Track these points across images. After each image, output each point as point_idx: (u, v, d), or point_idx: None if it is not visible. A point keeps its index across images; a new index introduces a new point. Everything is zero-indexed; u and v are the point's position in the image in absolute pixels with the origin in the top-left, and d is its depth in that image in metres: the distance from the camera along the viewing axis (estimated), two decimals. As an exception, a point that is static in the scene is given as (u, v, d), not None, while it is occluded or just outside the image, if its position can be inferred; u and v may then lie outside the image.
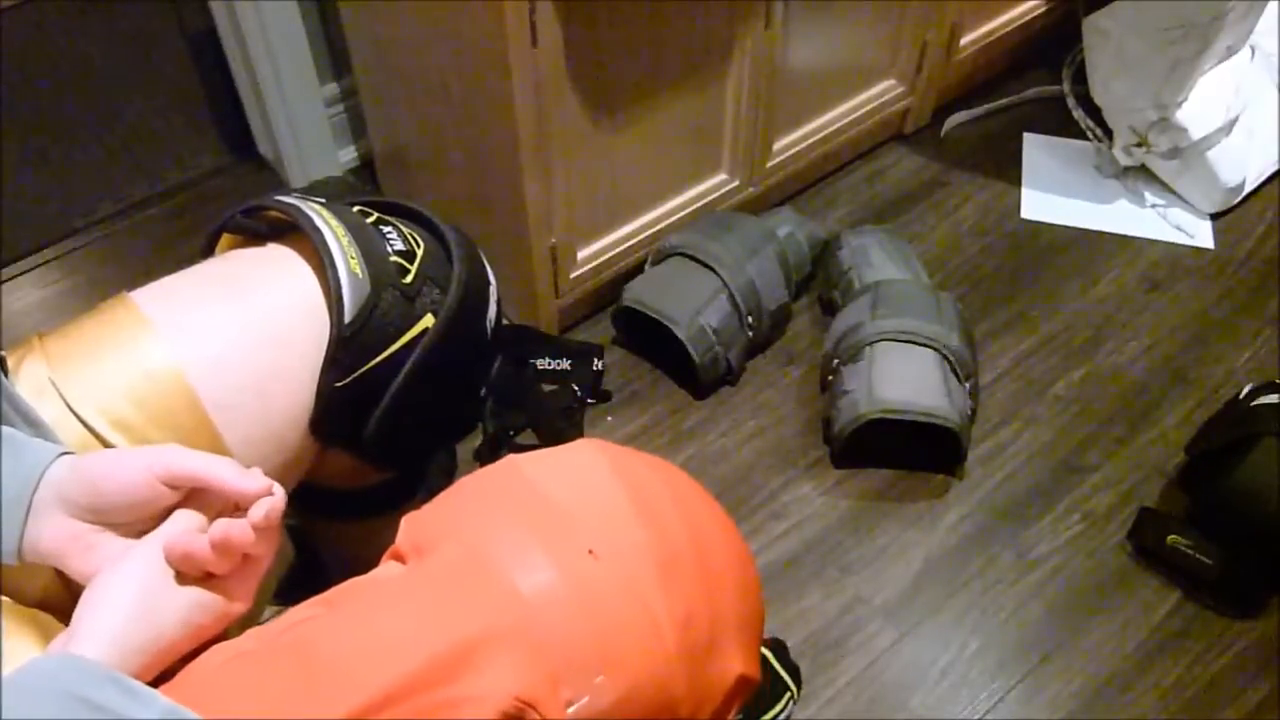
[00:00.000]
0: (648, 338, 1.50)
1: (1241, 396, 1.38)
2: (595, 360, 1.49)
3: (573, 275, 1.48)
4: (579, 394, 1.46)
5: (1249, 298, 1.63)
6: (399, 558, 0.67)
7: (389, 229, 0.80)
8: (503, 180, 1.34)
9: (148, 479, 0.61)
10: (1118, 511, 1.38)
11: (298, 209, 0.76)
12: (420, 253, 0.80)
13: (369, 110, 1.64)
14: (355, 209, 0.81)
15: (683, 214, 1.56)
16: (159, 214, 1.74)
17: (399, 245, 0.79)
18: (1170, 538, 1.29)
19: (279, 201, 0.78)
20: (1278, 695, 1.21)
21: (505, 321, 1.55)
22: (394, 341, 0.77)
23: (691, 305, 1.43)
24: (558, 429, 1.43)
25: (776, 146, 1.62)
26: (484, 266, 0.86)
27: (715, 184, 1.59)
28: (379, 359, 0.76)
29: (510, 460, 0.71)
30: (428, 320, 0.78)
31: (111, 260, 1.68)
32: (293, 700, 0.56)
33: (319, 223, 0.75)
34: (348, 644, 0.60)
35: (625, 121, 1.37)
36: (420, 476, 0.98)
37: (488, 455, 1.40)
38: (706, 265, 1.46)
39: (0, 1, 1.44)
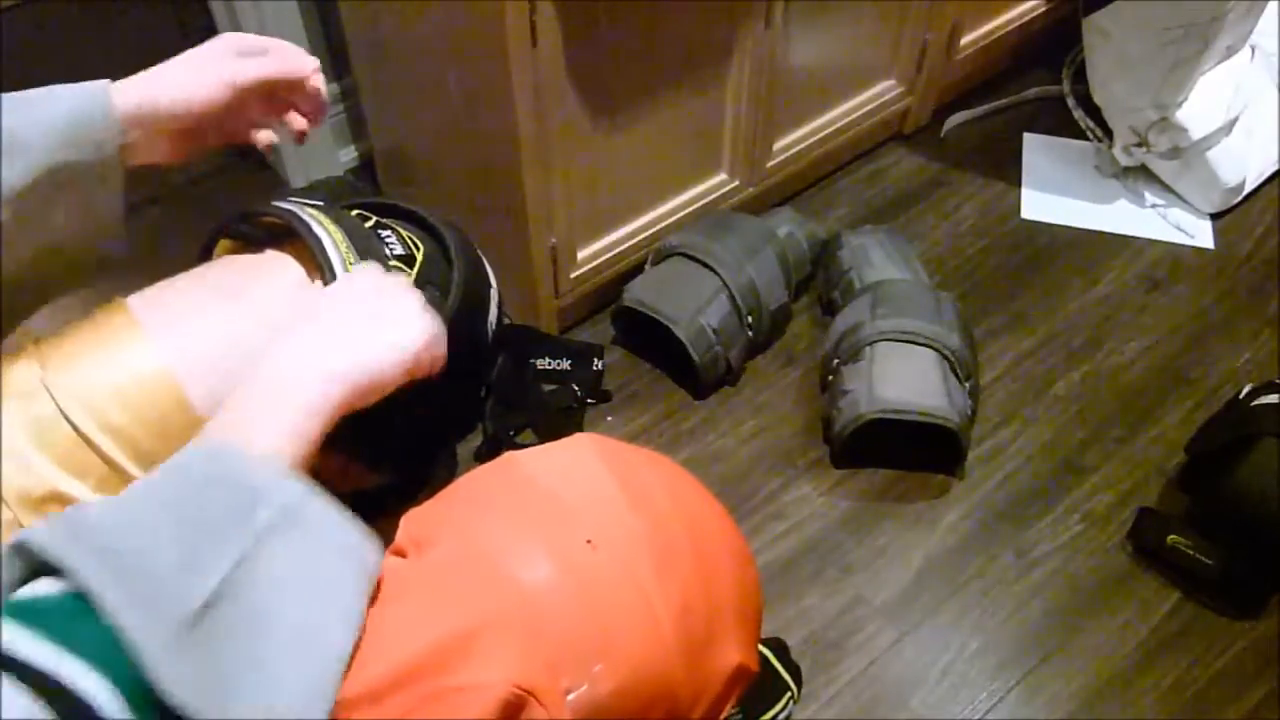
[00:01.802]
0: (648, 338, 1.50)
1: (1241, 396, 1.38)
2: (595, 360, 1.49)
3: (573, 275, 1.47)
4: (579, 394, 1.46)
5: (1249, 298, 1.63)
6: (399, 553, 0.68)
7: (388, 233, 0.80)
8: (503, 180, 1.34)
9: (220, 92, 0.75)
10: (1118, 511, 1.38)
11: (295, 215, 0.76)
12: (420, 257, 0.80)
13: (369, 110, 1.64)
14: (354, 213, 0.81)
15: (683, 214, 1.56)
16: (159, 214, 1.74)
17: (398, 249, 0.79)
18: (1170, 538, 1.29)
19: (276, 207, 0.78)
20: (1278, 695, 1.21)
21: (505, 321, 1.55)
22: None
23: (691, 305, 1.43)
24: (558, 429, 1.43)
25: (776, 146, 1.62)
26: (484, 269, 0.86)
27: (715, 184, 1.59)
28: None
29: (508, 456, 0.72)
30: None
31: (111, 260, 1.68)
32: None
33: (316, 229, 0.75)
34: None
35: (625, 121, 1.37)
36: (423, 477, 0.98)
37: (487, 455, 1.39)
38: (706, 265, 1.46)
39: (0, 1, 1.44)
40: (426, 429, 0.88)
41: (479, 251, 0.86)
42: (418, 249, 0.81)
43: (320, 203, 0.83)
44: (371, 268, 0.73)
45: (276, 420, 0.62)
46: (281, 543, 0.57)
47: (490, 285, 0.86)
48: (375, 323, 0.68)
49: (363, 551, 0.61)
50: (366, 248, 0.77)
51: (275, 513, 0.58)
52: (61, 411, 0.69)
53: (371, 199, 0.88)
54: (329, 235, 0.75)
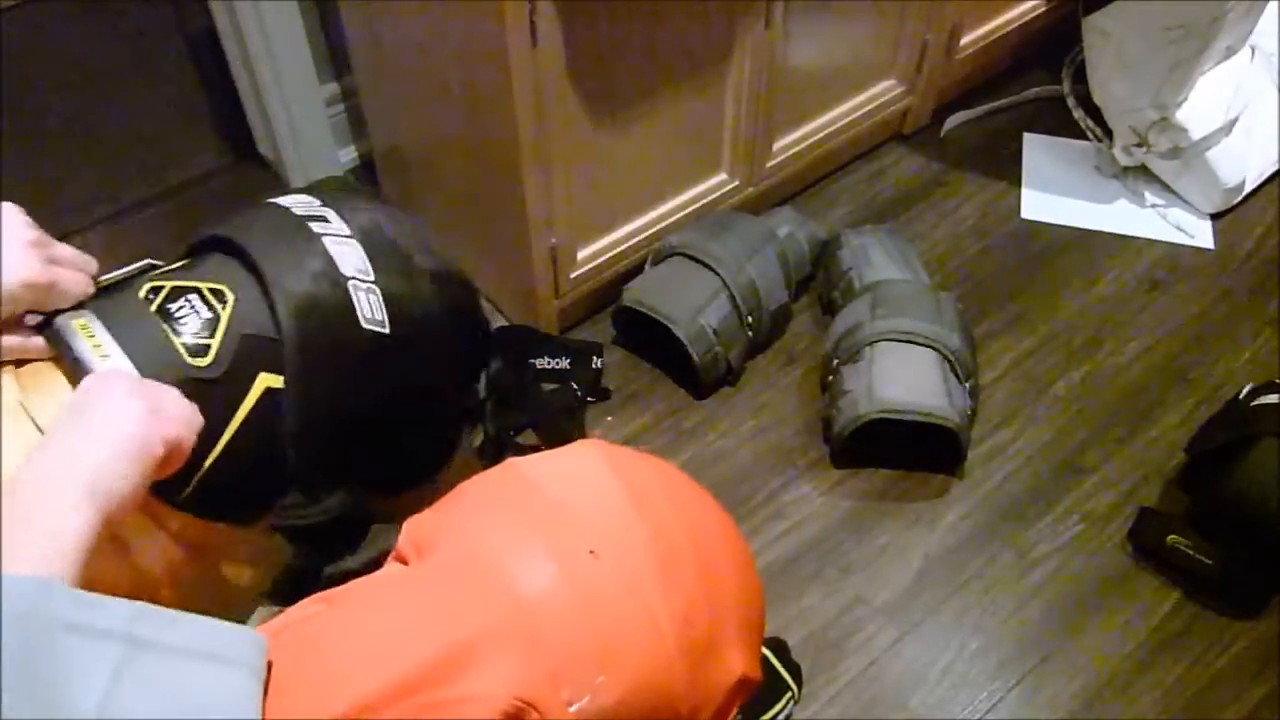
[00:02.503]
0: (648, 338, 1.50)
1: (1241, 396, 1.38)
2: (595, 358, 1.49)
3: (573, 275, 1.47)
4: (579, 393, 1.46)
5: (1249, 298, 1.63)
6: (401, 560, 0.67)
7: (181, 304, 0.74)
8: (503, 180, 1.34)
9: None
10: (1118, 511, 1.38)
11: (60, 337, 0.72)
12: (226, 314, 0.74)
13: (369, 110, 1.64)
14: (148, 287, 0.76)
15: (683, 214, 1.56)
16: (159, 214, 1.74)
17: (193, 322, 0.73)
18: (1170, 538, 1.29)
19: (47, 329, 0.73)
20: (1278, 695, 1.21)
21: (504, 322, 1.55)
22: (224, 428, 0.72)
23: (691, 305, 1.43)
24: (559, 428, 1.42)
25: (776, 146, 1.62)
26: (332, 279, 0.77)
27: (715, 184, 1.59)
28: (215, 453, 0.71)
29: (510, 462, 0.71)
30: (265, 381, 0.73)
31: (111, 261, 1.67)
32: (293, 696, 0.56)
33: (79, 350, 0.71)
34: (348, 641, 0.60)
35: (625, 121, 1.37)
36: (450, 444, 0.94)
37: (488, 455, 1.39)
38: (706, 265, 1.46)
39: (1, 1, 1.44)
40: (389, 433, 0.84)
41: (323, 261, 0.77)
42: (223, 304, 0.74)
43: (137, 269, 0.78)
44: (95, 376, 0.68)
45: (34, 545, 0.56)
46: (137, 677, 0.51)
47: (349, 280, 0.77)
48: (89, 425, 0.63)
49: (234, 648, 0.55)
50: (142, 348, 0.72)
51: (120, 644, 0.51)
52: (40, 431, 0.69)
53: (196, 238, 0.81)
54: (92, 352, 0.71)
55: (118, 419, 0.63)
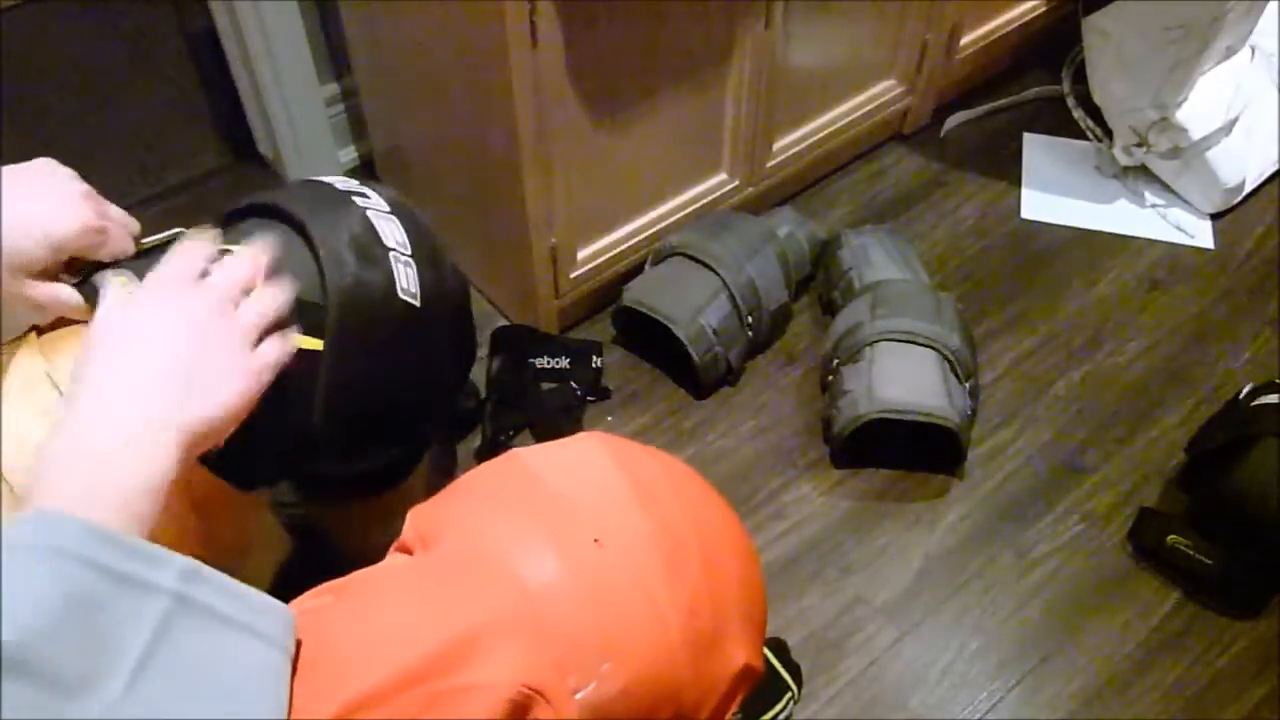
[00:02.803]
0: (648, 338, 1.50)
1: (1241, 396, 1.38)
2: (594, 358, 1.49)
3: (573, 275, 1.47)
4: (579, 393, 1.46)
5: (1249, 298, 1.63)
6: (406, 550, 0.68)
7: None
8: (503, 180, 1.34)
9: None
10: (1118, 511, 1.38)
11: (101, 292, 0.72)
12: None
13: (369, 110, 1.64)
14: None
15: (683, 214, 1.56)
16: (159, 214, 1.74)
17: None
18: (1170, 538, 1.29)
19: (83, 286, 0.75)
20: (1278, 695, 1.21)
21: (504, 322, 1.55)
22: None
23: (691, 305, 1.43)
24: (558, 428, 1.43)
25: (776, 146, 1.62)
26: (374, 246, 0.78)
27: (715, 184, 1.59)
28: None
29: (513, 453, 0.72)
30: (295, 342, 0.73)
31: (111, 260, 1.67)
32: (301, 686, 0.56)
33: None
34: (355, 632, 0.60)
35: (625, 121, 1.37)
36: (418, 451, 0.96)
37: (487, 456, 1.39)
38: (706, 265, 1.46)
39: (1, 2, 1.44)
40: (406, 406, 0.86)
41: (364, 227, 0.79)
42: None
43: (168, 236, 0.79)
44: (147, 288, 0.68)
45: (116, 491, 0.55)
46: (181, 635, 0.51)
47: (390, 249, 0.79)
48: (204, 378, 0.62)
49: (268, 623, 0.55)
50: None
51: (168, 600, 0.51)
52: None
53: (231, 208, 0.82)
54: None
55: (235, 379, 0.64)
